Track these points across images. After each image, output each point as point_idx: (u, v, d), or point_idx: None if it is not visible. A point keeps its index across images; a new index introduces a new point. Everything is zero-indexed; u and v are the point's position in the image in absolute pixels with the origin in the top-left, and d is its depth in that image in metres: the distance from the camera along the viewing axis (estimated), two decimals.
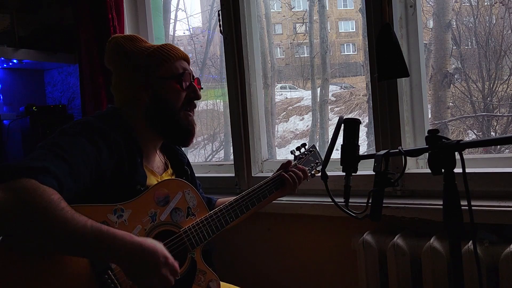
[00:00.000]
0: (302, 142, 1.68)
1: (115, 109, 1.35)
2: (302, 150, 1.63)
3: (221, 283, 1.40)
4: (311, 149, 1.65)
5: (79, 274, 1.08)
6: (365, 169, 1.43)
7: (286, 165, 1.56)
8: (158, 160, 1.42)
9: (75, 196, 1.09)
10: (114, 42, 1.36)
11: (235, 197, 1.42)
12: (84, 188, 1.12)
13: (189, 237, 1.27)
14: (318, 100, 3.65)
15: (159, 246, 1.10)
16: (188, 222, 1.29)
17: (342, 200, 1.19)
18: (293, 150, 1.61)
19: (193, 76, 1.39)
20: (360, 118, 1.36)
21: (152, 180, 1.32)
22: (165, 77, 1.33)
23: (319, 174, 1.65)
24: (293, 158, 1.62)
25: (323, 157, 1.66)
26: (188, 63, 1.41)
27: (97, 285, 1.10)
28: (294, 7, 3.96)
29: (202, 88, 1.44)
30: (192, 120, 1.39)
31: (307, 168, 1.60)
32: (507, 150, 2.13)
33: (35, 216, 0.96)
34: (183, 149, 1.58)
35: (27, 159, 1.04)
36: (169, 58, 1.33)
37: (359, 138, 1.19)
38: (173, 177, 1.42)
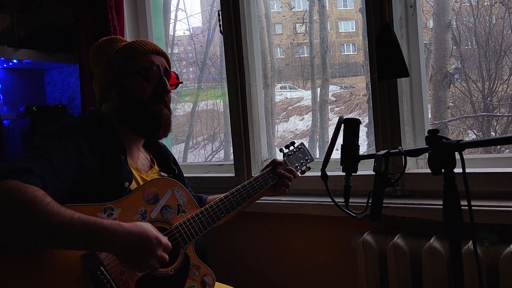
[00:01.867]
0: (302, 142, 1.70)
1: (97, 110, 1.38)
2: (291, 148, 1.65)
3: (219, 284, 1.41)
4: (299, 146, 1.68)
5: (71, 271, 1.09)
6: (365, 169, 1.43)
7: (273, 163, 1.57)
8: (142, 157, 1.43)
9: (62, 195, 1.09)
10: (95, 46, 1.39)
11: (226, 193, 1.43)
12: (70, 187, 1.13)
13: (180, 232, 1.28)
14: (318, 100, 3.65)
15: (148, 228, 1.11)
16: (179, 219, 1.30)
17: (342, 200, 1.19)
18: (282, 148, 1.64)
19: (166, 70, 1.37)
20: (360, 118, 1.36)
21: (137, 178, 1.33)
22: (130, 72, 1.32)
23: (309, 170, 1.68)
24: (282, 156, 1.63)
25: (312, 154, 1.69)
26: (165, 57, 1.39)
27: (90, 281, 1.10)
28: (294, 7, 3.95)
29: (181, 82, 1.43)
30: (164, 113, 1.36)
31: (297, 164, 1.62)
32: (507, 150, 2.13)
33: (22, 213, 0.97)
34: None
35: (8, 163, 1.05)
36: (136, 52, 1.33)
37: (359, 138, 1.19)
38: (162, 174, 1.43)
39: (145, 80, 1.32)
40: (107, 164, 1.22)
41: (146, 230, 1.10)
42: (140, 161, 1.40)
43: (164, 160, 1.50)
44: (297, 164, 1.63)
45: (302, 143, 1.69)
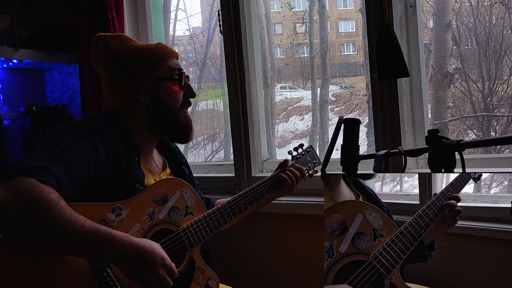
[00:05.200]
0: (302, 142, 1.69)
1: (112, 110, 1.35)
2: (300, 150, 1.63)
3: (221, 285, 1.40)
4: (308, 149, 1.66)
5: (78, 271, 1.08)
6: (365, 169, 1.43)
7: (283, 164, 1.56)
8: (155, 159, 1.43)
9: (73, 195, 1.09)
10: (103, 43, 1.33)
11: (233, 196, 1.42)
12: (82, 187, 1.13)
13: (187, 235, 1.28)
14: (318, 100, 3.65)
15: (156, 247, 1.10)
16: (186, 221, 1.30)
17: None
18: (290, 150, 1.62)
19: (185, 74, 1.40)
20: (360, 118, 1.36)
21: (150, 179, 1.32)
22: (162, 78, 1.33)
23: (317, 174, 1.66)
24: (290, 158, 1.62)
25: (320, 158, 1.66)
26: (178, 59, 1.41)
27: (96, 283, 1.10)
28: (294, 7, 3.95)
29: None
30: (189, 116, 1.42)
31: (305, 168, 1.61)
32: (507, 150, 2.13)
33: (34, 214, 0.96)
34: (181, 149, 1.59)
35: (25, 159, 1.04)
36: (164, 58, 1.33)
37: (359, 138, 1.19)
38: (171, 177, 1.43)
39: (178, 86, 1.35)
40: (120, 166, 1.22)
41: (154, 247, 1.09)
42: (153, 163, 1.40)
43: (175, 162, 1.50)
44: (305, 168, 1.61)
45: (311, 145, 1.67)
